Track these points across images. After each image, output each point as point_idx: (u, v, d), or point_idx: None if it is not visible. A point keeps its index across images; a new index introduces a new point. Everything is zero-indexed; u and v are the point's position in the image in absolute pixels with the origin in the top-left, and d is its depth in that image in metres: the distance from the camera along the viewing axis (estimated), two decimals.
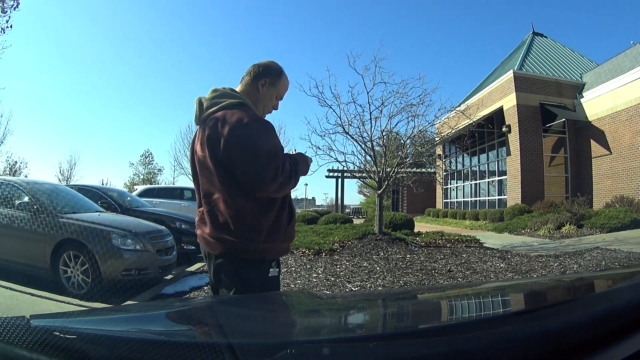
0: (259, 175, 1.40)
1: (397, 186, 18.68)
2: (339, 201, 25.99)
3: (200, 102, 1.58)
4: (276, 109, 1.72)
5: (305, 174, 1.63)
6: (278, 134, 1.58)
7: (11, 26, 9.45)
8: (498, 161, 15.96)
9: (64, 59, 59.29)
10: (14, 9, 9.20)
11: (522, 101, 13.86)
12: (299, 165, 1.58)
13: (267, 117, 1.69)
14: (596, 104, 13.22)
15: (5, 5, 9.04)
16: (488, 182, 16.75)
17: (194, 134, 1.65)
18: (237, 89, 1.64)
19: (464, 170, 19.01)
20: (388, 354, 0.64)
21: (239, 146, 1.41)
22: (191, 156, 1.62)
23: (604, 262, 5.91)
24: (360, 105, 7.96)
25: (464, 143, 11.33)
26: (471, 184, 18.27)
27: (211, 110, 1.53)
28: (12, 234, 4.56)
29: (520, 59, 15.75)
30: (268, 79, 1.64)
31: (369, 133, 7.85)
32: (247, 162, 1.40)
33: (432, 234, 9.16)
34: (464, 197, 18.73)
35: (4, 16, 9.18)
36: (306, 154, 1.72)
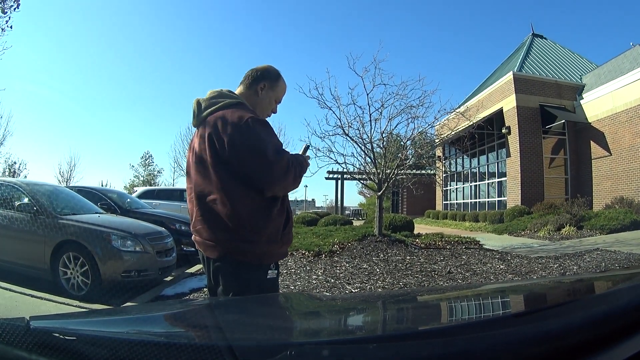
0: (272, 170, 1.40)
1: (397, 188, 18.71)
2: (339, 203, 25.99)
3: (198, 103, 1.58)
4: (275, 112, 1.73)
5: (308, 164, 1.64)
6: (278, 136, 1.58)
7: (11, 27, 9.46)
8: (498, 163, 15.97)
9: (64, 60, 59.39)
10: (14, 9, 9.22)
11: (521, 103, 13.88)
12: (300, 156, 1.60)
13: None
14: (596, 105, 13.24)
15: (5, 5, 9.06)
16: (488, 183, 16.76)
17: (192, 136, 1.64)
18: (236, 92, 1.64)
19: (463, 171, 19.01)
20: (388, 356, 0.64)
21: (246, 145, 1.40)
22: (188, 158, 1.60)
23: (603, 264, 5.90)
24: (360, 107, 7.97)
25: (463, 145, 11.33)
26: (471, 186, 18.28)
27: (210, 110, 1.52)
28: (12, 235, 4.55)
29: (520, 60, 15.78)
30: (267, 83, 1.65)
31: (369, 135, 7.87)
32: (257, 160, 1.39)
33: (432, 235, 9.15)
34: (463, 199, 18.73)
35: (4, 17, 9.19)
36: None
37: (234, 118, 1.43)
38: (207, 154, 1.44)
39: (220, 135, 1.41)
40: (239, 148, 1.40)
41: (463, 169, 19.09)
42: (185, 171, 1.69)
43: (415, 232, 10.23)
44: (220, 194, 1.42)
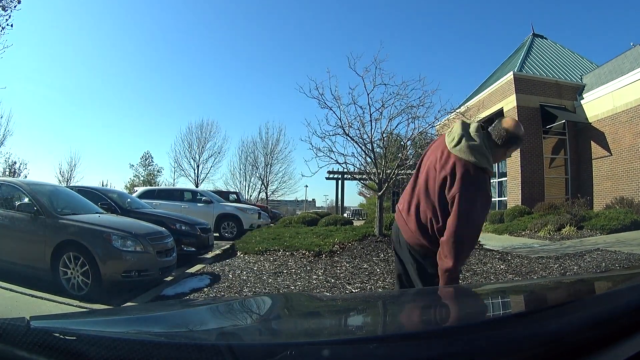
0: (458, 234, 1.73)
1: (397, 188, 18.68)
2: (339, 203, 26.01)
3: (461, 135, 1.81)
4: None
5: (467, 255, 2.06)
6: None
7: (12, 25, 9.48)
8: (498, 163, 15.92)
9: (65, 60, 59.30)
10: (15, 7, 9.23)
11: (522, 103, 13.87)
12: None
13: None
14: (596, 105, 13.23)
15: (5, 3, 9.07)
16: None
17: (435, 145, 1.96)
18: (489, 132, 1.89)
19: None
20: (388, 356, 0.64)
21: (461, 208, 1.72)
22: (422, 162, 1.99)
23: (604, 264, 5.89)
24: (361, 107, 7.93)
25: None
26: None
27: (462, 154, 1.76)
28: (13, 235, 4.56)
29: (520, 60, 15.76)
30: (515, 147, 1.94)
31: (369, 135, 7.84)
32: (459, 221, 1.73)
33: None
34: None
35: (5, 14, 9.20)
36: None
37: (472, 180, 1.74)
38: (437, 185, 1.81)
39: (454, 183, 1.75)
40: (458, 200, 1.74)
41: None
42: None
43: None
44: (433, 215, 1.83)
